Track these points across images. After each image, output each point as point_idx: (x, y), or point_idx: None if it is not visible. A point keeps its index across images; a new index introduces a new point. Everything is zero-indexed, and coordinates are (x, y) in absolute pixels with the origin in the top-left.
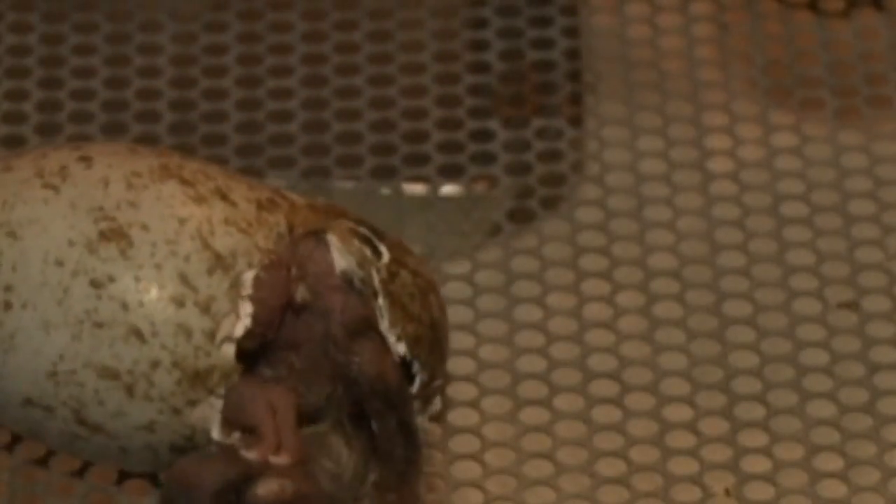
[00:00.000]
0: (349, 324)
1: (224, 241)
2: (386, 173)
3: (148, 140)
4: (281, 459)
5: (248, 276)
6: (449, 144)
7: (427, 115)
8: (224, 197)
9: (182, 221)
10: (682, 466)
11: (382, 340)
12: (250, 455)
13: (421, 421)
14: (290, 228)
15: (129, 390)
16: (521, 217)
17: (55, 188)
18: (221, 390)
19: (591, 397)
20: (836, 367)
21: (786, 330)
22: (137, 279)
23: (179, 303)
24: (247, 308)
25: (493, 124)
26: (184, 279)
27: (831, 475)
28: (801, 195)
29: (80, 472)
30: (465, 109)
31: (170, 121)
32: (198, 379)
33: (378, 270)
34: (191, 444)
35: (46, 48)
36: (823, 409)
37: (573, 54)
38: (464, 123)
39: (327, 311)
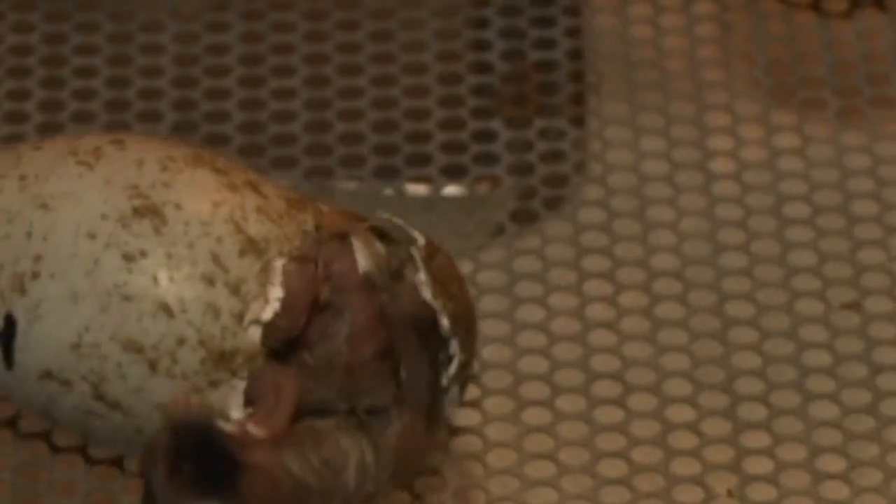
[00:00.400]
0: (368, 321)
1: (257, 227)
2: (388, 174)
3: None
4: (257, 431)
5: (279, 264)
6: (451, 145)
7: (429, 116)
8: (256, 189)
9: (216, 205)
10: (685, 467)
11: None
12: (233, 424)
13: (457, 405)
14: (317, 228)
15: (153, 366)
16: (523, 217)
17: (89, 165)
18: (244, 373)
19: (594, 398)
20: (838, 368)
21: (788, 331)
22: (170, 255)
23: (210, 281)
24: (276, 293)
25: (496, 125)
26: (216, 259)
27: (834, 476)
28: (803, 196)
29: (86, 468)
30: (468, 110)
31: (172, 121)
32: (222, 360)
33: (418, 249)
34: None
35: (48, 48)
36: (826, 410)
37: (576, 54)
38: (466, 124)
39: (346, 310)
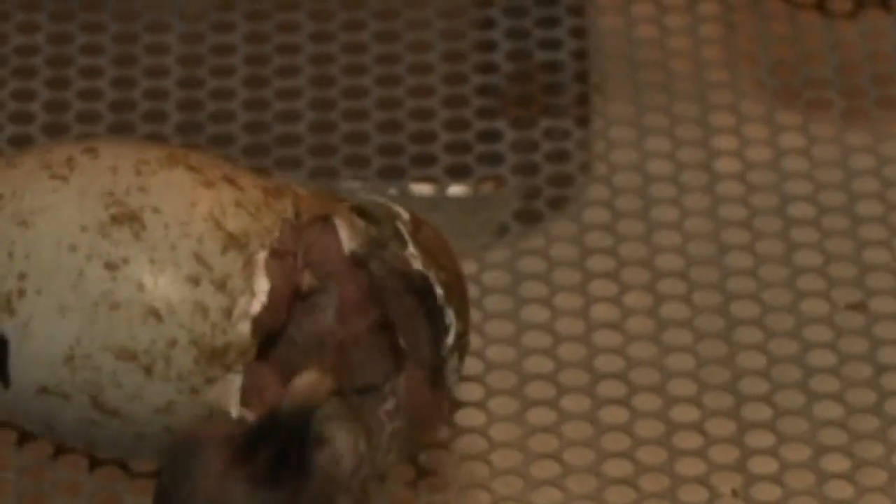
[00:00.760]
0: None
1: (236, 221)
2: (393, 174)
3: (155, 140)
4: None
5: (262, 256)
6: (456, 145)
7: (434, 116)
8: (232, 182)
9: (193, 204)
10: (689, 467)
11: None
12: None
13: (458, 376)
14: (297, 215)
15: (148, 371)
16: (528, 217)
17: (63, 178)
18: (238, 367)
19: (598, 398)
20: (843, 368)
21: (793, 331)
22: (152, 260)
23: (195, 281)
24: (262, 285)
25: (501, 125)
26: (199, 258)
27: (838, 476)
28: (808, 196)
29: (90, 468)
30: (473, 110)
31: (177, 121)
32: (215, 357)
33: (404, 224)
34: None
35: (53, 48)
36: (831, 409)
37: (580, 55)
38: (471, 124)
39: (333, 289)
